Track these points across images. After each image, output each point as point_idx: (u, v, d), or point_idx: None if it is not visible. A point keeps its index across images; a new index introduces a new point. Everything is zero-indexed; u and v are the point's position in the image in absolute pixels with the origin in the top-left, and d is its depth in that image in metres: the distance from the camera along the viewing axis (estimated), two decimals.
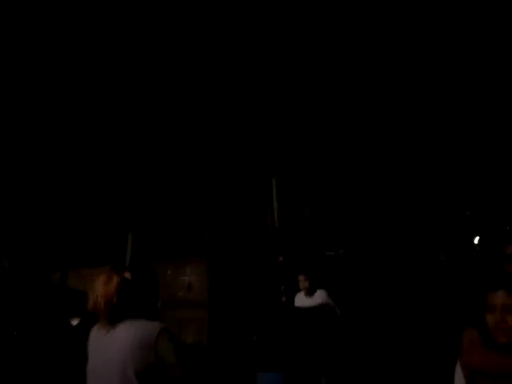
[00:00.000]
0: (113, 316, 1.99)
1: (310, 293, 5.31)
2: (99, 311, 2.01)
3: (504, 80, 6.26)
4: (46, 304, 4.27)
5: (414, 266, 8.05)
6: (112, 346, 1.95)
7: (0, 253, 7.37)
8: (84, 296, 4.75)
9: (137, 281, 2.19)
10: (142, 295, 2.17)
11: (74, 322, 4.32)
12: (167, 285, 8.11)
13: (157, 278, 2.44)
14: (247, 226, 8.01)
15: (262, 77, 6.41)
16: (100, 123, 7.17)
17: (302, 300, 5.34)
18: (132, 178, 8.21)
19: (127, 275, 2.19)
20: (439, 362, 4.31)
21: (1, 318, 3.72)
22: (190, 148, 7.66)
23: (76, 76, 6.01)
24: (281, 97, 6.84)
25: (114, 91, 6.47)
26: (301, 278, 5.36)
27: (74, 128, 7.19)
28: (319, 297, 5.27)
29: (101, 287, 2.02)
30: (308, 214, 8.98)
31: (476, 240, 8.89)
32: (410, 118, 7.34)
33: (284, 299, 5.15)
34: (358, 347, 6.32)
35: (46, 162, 7.77)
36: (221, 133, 7.44)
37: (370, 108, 7.15)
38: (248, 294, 6.95)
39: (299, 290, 5.39)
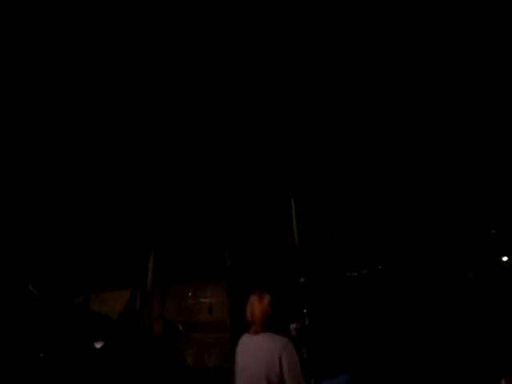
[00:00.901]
0: (264, 324, 2.71)
1: None
2: (255, 320, 2.75)
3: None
4: (69, 327, 4.30)
5: (440, 285, 7.81)
6: (261, 348, 2.64)
7: (25, 277, 7.51)
8: (106, 319, 4.77)
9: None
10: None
11: (98, 345, 4.33)
12: (188, 307, 8.09)
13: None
14: (267, 247, 7.96)
15: (282, 98, 6.46)
16: (123, 149, 7.30)
17: None
18: (153, 201, 8.31)
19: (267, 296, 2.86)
20: None
21: (27, 340, 3.76)
22: (210, 171, 7.72)
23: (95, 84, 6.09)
24: (299, 118, 6.87)
25: (138, 108, 6.57)
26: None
27: (98, 154, 7.35)
28: None
29: (256, 303, 2.80)
30: (328, 235, 8.88)
31: (504, 258, 8.61)
32: (434, 138, 7.24)
33: (307, 322, 5.07)
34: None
35: (69, 188, 7.93)
36: (240, 155, 7.49)
37: (392, 128, 7.09)
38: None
39: (323, 313, 5.27)
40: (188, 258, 8.24)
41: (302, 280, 6.96)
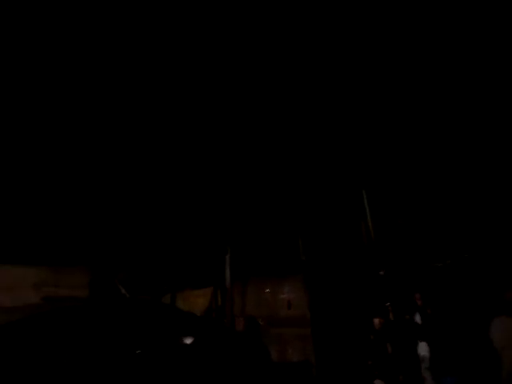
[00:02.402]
0: None
1: None
2: None
3: None
4: (161, 325, 4.55)
5: None
6: None
7: (116, 280, 8.19)
8: (193, 316, 5.03)
9: None
10: None
11: (188, 341, 4.55)
12: (267, 303, 8.23)
13: None
14: (342, 239, 7.81)
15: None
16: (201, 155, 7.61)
17: None
18: (228, 198, 8.55)
19: None
20: None
21: (124, 338, 4.04)
22: (280, 167, 7.78)
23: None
24: (369, 111, 6.71)
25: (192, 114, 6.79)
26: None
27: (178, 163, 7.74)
28: None
29: None
30: (404, 223, 8.46)
31: None
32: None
33: (391, 317, 4.89)
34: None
35: (153, 196, 8.45)
36: (312, 149, 7.45)
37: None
38: (350, 309, 6.73)
39: (411, 307, 5.04)
40: (264, 255, 8.37)
41: (381, 273, 6.73)
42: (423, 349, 5.15)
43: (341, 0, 5.15)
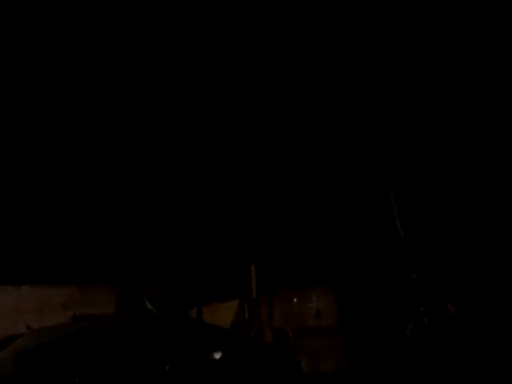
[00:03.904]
0: None
1: None
2: None
3: None
4: (188, 340, 4.48)
5: None
6: None
7: (143, 296, 8.21)
8: (220, 330, 4.93)
9: None
10: None
11: (217, 356, 4.45)
12: (295, 313, 8.06)
13: None
14: (370, 243, 7.59)
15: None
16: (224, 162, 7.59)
17: None
18: (253, 209, 8.48)
19: None
20: None
21: (152, 355, 4.00)
22: (307, 174, 7.66)
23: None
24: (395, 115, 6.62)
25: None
26: None
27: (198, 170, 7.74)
28: None
29: None
30: (435, 223, 8.18)
31: None
32: None
33: (426, 321, 4.67)
34: None
35: (177, 209, 8.48)
36: (339, 153, 7.33)
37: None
38: (383, 317, 6.48)
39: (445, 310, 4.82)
40: (290, 264, 8.24)
41: (413, 276, 6.48)
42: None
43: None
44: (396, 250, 7.06)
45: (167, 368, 3.89)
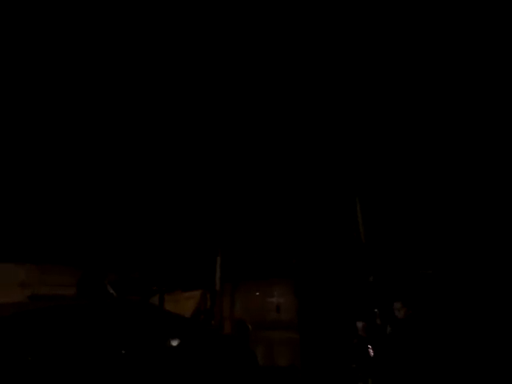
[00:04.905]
0: None
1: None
2: None
3: None
4: (148, 325, 4.52)
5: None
6: None
7: (105, 280, 8.13)
8: (180, 318, 5.00)
9: None
10: None
11: (174, 343, 4.52)
12: (256, 307, 8.21)
13: None
14: (333, 245, 7.83)
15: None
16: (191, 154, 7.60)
17: None
18: (220, 202, 8.55)
19: None
20: None
21: (109, 338, 4.00)
22: (274, 172, 7.79)
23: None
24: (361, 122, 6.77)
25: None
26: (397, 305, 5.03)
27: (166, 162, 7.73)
28: None
29: None
30: (396, 230, 8.50)
31: None
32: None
33: (379, 322, 4.90)
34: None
35: (143, 195, 8.43)
36: (306, 155, 7.47)
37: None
38: (339, 315, 6.73)
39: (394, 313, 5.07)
40: (254, 258, 8.37)
41: (371, 279, 6.74)
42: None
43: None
44: (357, 252, 7.31)
45: (123, 352, 3.91)
